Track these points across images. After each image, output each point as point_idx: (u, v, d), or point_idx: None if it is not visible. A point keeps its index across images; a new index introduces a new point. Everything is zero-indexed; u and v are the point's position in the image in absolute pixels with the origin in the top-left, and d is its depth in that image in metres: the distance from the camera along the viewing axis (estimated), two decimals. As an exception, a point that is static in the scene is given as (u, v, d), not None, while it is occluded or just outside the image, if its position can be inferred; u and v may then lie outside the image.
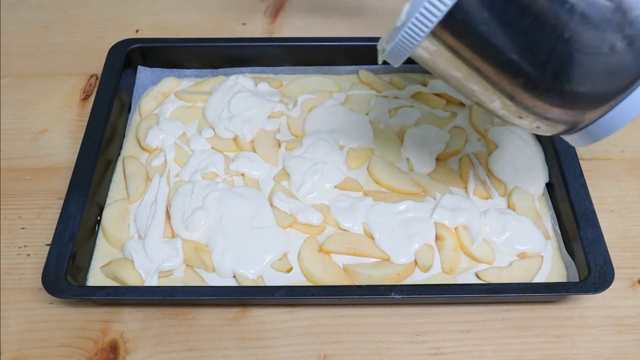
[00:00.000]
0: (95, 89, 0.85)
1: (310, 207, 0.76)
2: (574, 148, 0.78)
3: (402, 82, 0.90)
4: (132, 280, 0.70)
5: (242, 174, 0.80)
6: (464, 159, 0.81)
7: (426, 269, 0.71)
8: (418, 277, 0.71)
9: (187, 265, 0.72)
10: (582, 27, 0.47)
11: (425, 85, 0.90)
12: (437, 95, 0.88)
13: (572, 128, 0.54)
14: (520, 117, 0.54)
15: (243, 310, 0.71)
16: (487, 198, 0.78)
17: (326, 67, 0.92)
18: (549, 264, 0.73)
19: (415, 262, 0.72)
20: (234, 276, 0.71)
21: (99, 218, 0.76)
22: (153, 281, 0.70)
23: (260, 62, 0.92)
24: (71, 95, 0.92)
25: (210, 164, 0.80)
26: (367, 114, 0.86)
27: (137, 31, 1.02)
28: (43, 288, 0.66)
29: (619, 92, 0.50)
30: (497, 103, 0.54)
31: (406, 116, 0.86)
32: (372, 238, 0.74)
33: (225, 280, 0.71)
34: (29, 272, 0.74)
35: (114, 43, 0.89)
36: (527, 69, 0.49)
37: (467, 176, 0.79)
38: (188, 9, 1.06)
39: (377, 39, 0.91)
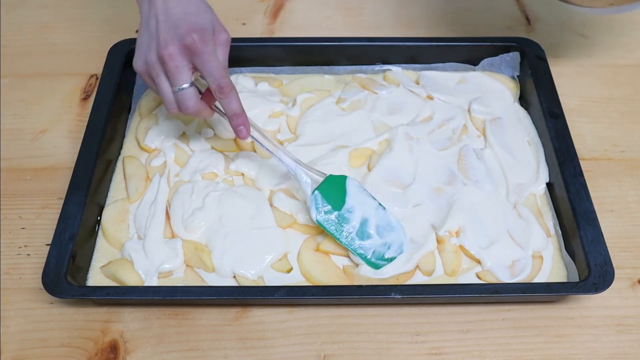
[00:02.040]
0: (95, 89, 0.85)
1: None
2: (573, 148, 0.78)
3: (396, 80, 0.90)
4: (131, 281, 0.70)
5: (242, 174, 0.80)
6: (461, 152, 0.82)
7: (429, 274, 0.71)
8: (419, 279, 0.71)
9: (187, 265, 0.72)
10: None
11: (417, 83, 0.90)
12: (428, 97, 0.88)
13: None
14: None
15: (243, 310, 0.71)
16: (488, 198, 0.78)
17: (326, 67, 0.92)
18: (549, 263, 0.73)
19: (417, 266, 0.72)
20: (234, 276, 0.71)
21: (99, 218, 0.76)
22: (152, 282, 0.70)
23: (260, 62, 0.92)
24: (71, 95, 0.92)
25: (210, 164, 0.80)
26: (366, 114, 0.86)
27: (137, 31, 1.01)
28: (43, 288, 0.66)
29: None
30: None
31: (404, 114, 0.86)
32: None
33: (225, 281, 0.71)
34: (29, 272, 0.73)
35: (114, 43, 0.89)
36: None
37: (466, 173, 0.79)
38: (188, 9, 1.05)
39: (376, 39, 0.92)
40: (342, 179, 0.73)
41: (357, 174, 0.80)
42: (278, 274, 0.71)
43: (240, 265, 0.71)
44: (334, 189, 0.72)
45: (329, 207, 0.71)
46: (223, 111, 0.72)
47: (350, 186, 0.73)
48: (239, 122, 0.70)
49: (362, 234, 0.71)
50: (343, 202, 0.72)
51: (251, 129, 0.72)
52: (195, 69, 0.68)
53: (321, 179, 0.73)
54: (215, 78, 0.67)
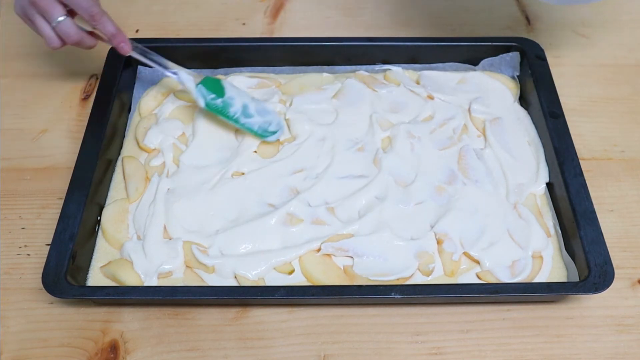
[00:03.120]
0: (95, 89, 0.85)
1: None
2: (573, 148, 0.78)
3: (396, 80, 0.90)
4: (130, 281, 0.70)
5: (242, 174, 0.80)
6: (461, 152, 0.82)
7: (428, 274, 0.71)
8: (419, 280, 0.71)
9: (186, 266, 0.72)
10: None
11: (418, 83, 0.90)
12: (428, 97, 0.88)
13: None
14: None
15: (243, 310, 0.71)
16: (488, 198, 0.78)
17: (326, 67, 0.92)
18: (549, 263, 0.73)
19: (417, 268, 0.72)
20: (235, 277, 0.71)
21: (99, 218, 0.76)
22: (152, 282, 0.70)
23: (260, 62, 0.92)
24: (71, 95, 0.92)
25: (210, 164, 0.80)
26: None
27: (137, 31, 1.02)
28: (43, 288, 0.66)
29: None
30: None
31: (405, 113, 0.86)
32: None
33: (225, 281, 0.71)
34: (29, 272, 0.73)
35: (114, 43, 0.89)
36: None
37: (466, 173, 0.79)
38: (188, 9, 1.05)
39: (376, 39, 0.92)
40: (217, 80, 0.82)
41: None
42: (279, 274, 0.71)
43: (242, 266, 0.70)
44: (213, 85, 0.81)
45: (214, 95, 0.80)
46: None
47: (226, 84, 0.82)
48: (119, 41, 0.77)
49: (246, 114, 0.81)
50: (224, 93, 0.81)
51: (133, 46, 0.79)
52: (65, 5, 0.73)
53: (200, 78, 0.81)
54: (84, 9, 0.73)
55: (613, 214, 0.79)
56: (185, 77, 0.81)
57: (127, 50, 0.78)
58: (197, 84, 0.80)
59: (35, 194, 0.81)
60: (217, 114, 0.81)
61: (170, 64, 0.81)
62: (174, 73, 0.81)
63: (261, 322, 0.70)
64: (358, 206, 0.76)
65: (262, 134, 0.81)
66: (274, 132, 0.82)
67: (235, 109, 0.81)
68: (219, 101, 0.80)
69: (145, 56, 0.80)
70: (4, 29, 1.02)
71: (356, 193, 0.77)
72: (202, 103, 0.80)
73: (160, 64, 0.81)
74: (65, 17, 0.74)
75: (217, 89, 0.81)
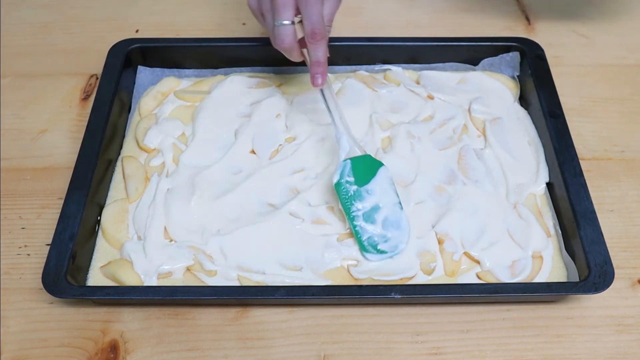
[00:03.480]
0: (95, 89, 0.85)
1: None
2: (573, 148, 0.78)
3: (396, 80, 0.90)
4: (130, 281, 0.70)
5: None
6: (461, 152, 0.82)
7: (429, 272, 0.71)
8: (420, 280, 0.71)
9: (187, 268, 0.72)
10: None
11: (418, 83, 0.90)
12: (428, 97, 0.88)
13: None
14: None
15: (243, 310, 0.71)
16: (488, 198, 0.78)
17: (326, 67, 0.92)
18: (549, 263, 0.73)
19: (419, 266, 0.72)
20: (237, 278, 0.71)
21: (99, 218, 0.76)
22: (152, 282, 0.70)
23: (260, 62, 0.92)
24: (71, 95, 0.92)
25: (210, 165, 0.80)
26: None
27: (137, 31, 1.02)
28: (43, 288, 0.66)
29: None
30: None
31: (405, 113, 0.86)
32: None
33: (225, 281, 0.71)
34: (29, 272, 0.73)
35: (114, 43, 0.89)
36: None
37: (466, 173, 0.79)
38: (188, 9, 1.06)
39: (376, 39, 0.92)
40: (377, 164, 0.74)
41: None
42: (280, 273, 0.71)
43: (244, 267, 0.71)
44: (365, 168, 0.73)
45: (352, 179, 0.72)
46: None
47: (381, 173, 0.74)
48: (318, 71, 0.73)
49: (368, 217, 0.72)
50: (367, 182, 0.73)
51: (326, 85, 0.74)
52: (298, 12, 0.71)
53: (359, 154, 0.74)
54: (311, 22, 0.70)
55: (613, 214, 0.79)
56: (343, 144, 0.74)
57: (318, 84, 0.73)
58: (347, 158, 0.73)
59: (35, 194, 0.81)
60: (339, 197, 0.72)
61: (339, 124, 0.75)
62: (339, 134, 0.74)
63: (261, 322, 0.70)
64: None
65: (365, 247, 0.71)
66: (381, 252, 0.71)
67: (361, 205, 0.72)
68: (352, 188, 0.72)
69: (325, 101, 0.75)
70: (4, 29, 1.02)
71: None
72: (335, 178, 0.72)
73: (332, 118, 0.75)
74: (289, 22, 0.71)
75: (364, 175, 0.73)
